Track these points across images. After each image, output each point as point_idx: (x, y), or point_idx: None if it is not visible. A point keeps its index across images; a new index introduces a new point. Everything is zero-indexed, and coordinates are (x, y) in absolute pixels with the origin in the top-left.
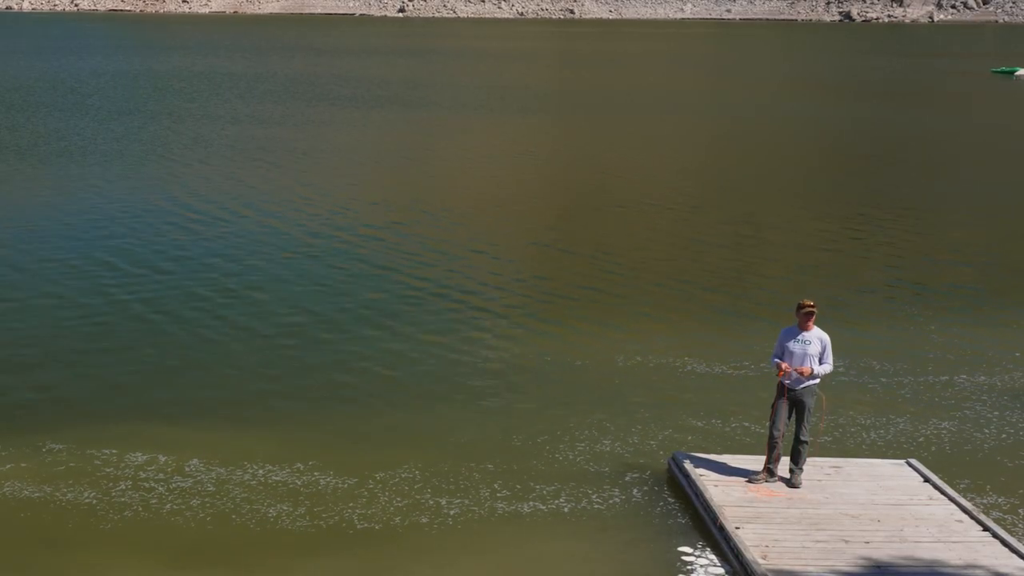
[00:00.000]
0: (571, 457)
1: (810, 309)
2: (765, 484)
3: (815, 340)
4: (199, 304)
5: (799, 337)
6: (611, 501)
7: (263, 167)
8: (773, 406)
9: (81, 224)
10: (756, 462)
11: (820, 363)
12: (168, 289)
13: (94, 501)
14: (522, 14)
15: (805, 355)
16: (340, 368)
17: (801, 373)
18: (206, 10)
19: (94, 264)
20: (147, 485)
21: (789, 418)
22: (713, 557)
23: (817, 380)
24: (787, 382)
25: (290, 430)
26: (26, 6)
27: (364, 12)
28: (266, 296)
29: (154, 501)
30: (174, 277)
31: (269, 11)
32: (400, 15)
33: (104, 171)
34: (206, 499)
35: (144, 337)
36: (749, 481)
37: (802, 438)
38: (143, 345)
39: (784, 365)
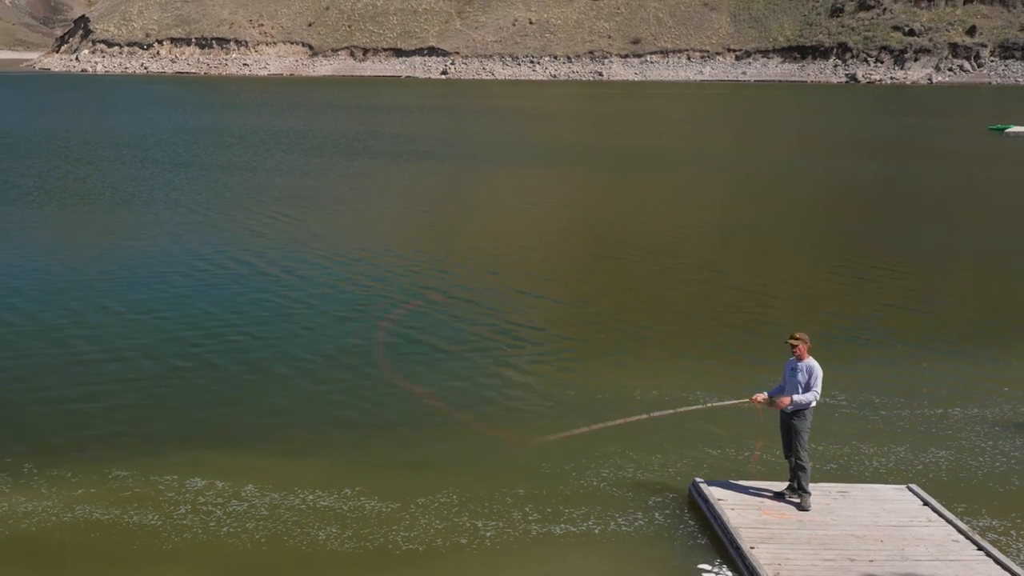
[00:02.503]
0: (596, 483)
1: (791, 342)
2: (777, 507)
3: (804, 369)
4: (253, 341)
5: (793, 366)
6: (636, 524)
7: (305, 216)
8: None
9: (140, 267)
10: (769, 488)
11: (805, 391)
12: (224, 326)
13: (157, 523)
14: (555, 76)
15: (795, 383)
16: (382, 401)
17: (777, 406)
18: (265, 72)
19: (152, 303)
20: (206, 509)
21: (784, 440)
22: (730, 574)
23: (806, 407)
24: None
25: (337, 458)
26: (100, 69)
27: (410, 75)
28: (313, 334)
29: (212, 524)
30: (229, 314)
31: (322, 73)
32: (443, 77)
33: (164, 218)
34: (260, 522)
35: (200, 372)
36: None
37: (799, 463)
38: (200, 380)
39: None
